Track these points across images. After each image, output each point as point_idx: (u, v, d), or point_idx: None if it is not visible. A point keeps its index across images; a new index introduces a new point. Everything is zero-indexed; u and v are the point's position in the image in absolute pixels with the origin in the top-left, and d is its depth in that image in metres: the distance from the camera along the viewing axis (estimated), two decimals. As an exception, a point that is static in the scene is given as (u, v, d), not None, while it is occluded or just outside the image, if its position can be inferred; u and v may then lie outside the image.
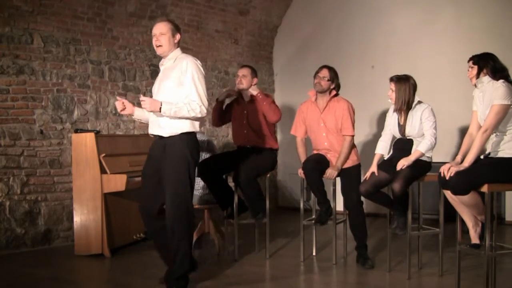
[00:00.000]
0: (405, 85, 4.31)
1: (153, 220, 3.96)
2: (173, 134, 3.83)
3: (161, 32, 3.85)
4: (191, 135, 3.87)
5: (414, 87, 4.35)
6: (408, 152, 4.30)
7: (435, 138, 4.27)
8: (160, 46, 3.87)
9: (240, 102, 5.16)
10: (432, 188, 4.96)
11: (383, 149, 4.53)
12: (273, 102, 5.08)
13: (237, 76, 5.11)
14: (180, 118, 3.79)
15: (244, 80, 5.04)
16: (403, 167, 4.20)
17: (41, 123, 5.51)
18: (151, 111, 3.81)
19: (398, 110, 4.36)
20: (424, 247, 4.84)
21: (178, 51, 3.95)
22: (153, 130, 3.92)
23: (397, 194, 4.19)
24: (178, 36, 3.92)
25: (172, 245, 3.87)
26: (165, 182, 3.83)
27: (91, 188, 5.09)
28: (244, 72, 5.06)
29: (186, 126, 3.83)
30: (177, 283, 3.90)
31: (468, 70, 3.85)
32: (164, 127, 3.83)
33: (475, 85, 3.83)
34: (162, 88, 3.87)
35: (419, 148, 4.24)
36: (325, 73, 4.77)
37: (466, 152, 3.70)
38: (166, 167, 3.83)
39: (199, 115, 3.81)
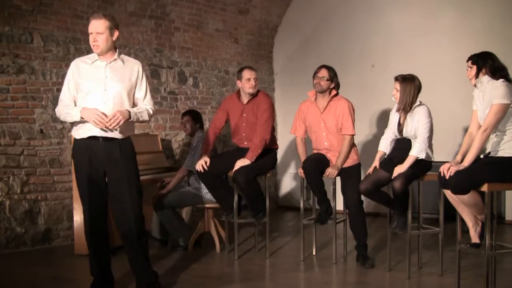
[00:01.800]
0: (410, 86, 4.30)
1: (102, 233, 3.89)
2: (127, 136, 3.84)
3: (97, 31, 3.67)
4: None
5: (418, 88, 4.35)
6: (406, 152, 4.30)
7: (427, 138, 4.26)
8: (97, 46, 3.72)
9: (238, 104, 5.06)
10: (432, 187, 4.97)
11: (385, 147, 4.53)
12: (258, 145, 4.86)
13: (247, 79, 4.92)
14: (140, 122, 3.89)
15: (257, 83, 4.98)
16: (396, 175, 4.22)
17: (41, 122, 5.51)
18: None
19: (401, 110, 4.35)
20: (424, 247, 4.84)
21: (117, 52, 3.81)
22: (102, 132, 3.71)
23: (397, 192, 4.19)
24: (116, 34, 3.75)
25: (137, 247, 3.84)
26: (122, 185, 3.76)
27: (91, 187, 5.07)
28: (256, 75, 4.96)
29: (135, 128, 3.99)
30: (154, 281, 3.92)
31: (467, 70, 3.84)
32: (121, 129, 3.75)
33: (475, 85, 3.83)
34: (116, 88, 3.73)
35: (412, 153, 4.25)
36: (324, 73, 4.76)
37: (466, 152, 3.69)
38: (123, 170, 3.76)
39: (150, 118, 3.95)
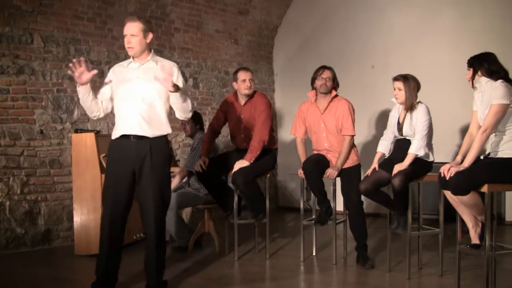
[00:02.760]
0: (413, 83, 4.33)
1: (119, 234, 3.87)
2: (158, 135, 3.83)
3: (131, 33, 3.74)
4: (166, 136, 3.94)
5: (418, 86, 4.38)
6: (405, 152, 4.30)
7: (425, 136, 4.27)
8: (131, 48, 3.77)
9: (235, 105, 5.05)
10: (432, 188, 4.97)
11: (384, 148, 4.54)
12: (257, 147, 4.83)
13: (243, 80, 4.91)
14: (181, 107, 3.80)
15: (252, 84, 4.97)
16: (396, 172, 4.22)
17: (41, 123, 5.51)
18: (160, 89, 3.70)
19: (407, 109, 4.35)
20: (424, 247, 4.84)
21: (152, 53, 3.87)
22: (132, 130, 3.77)
23: (396, 189, 4.19)
24: (150, 36, 3.80)
25: (153, 250, 3.83)
26: (148, 185, 3.77)
27: (91, 188, 5.09)
28: (251, 76, 4.96)
29: (169, 128, 3.89)
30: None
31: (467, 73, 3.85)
32: (151, 128, 3.78)
33: (473, 87, 3.82)
34: (146, 87, 3.76)
35: (410, 151, 4.25)
36: (328, 73, 4.77)
37: (466, 152, 3.69)
38: (151, 170, 3.76)
39: (191, 109, 3.88)
